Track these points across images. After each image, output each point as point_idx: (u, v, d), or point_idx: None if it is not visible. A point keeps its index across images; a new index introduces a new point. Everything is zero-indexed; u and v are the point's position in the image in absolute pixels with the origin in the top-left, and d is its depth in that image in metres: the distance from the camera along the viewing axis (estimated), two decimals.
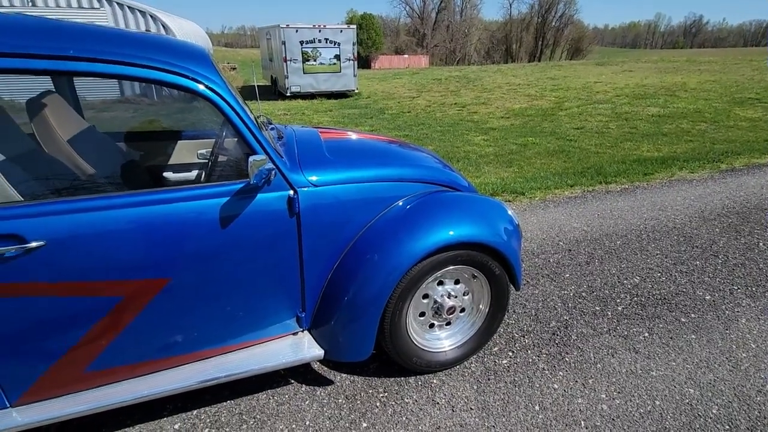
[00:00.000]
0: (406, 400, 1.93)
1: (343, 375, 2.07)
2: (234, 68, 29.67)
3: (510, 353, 2.23)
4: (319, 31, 13.65)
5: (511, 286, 2.10)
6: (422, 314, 2.03)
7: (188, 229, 1.51)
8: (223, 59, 32.40)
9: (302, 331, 1.92)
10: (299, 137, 2.14)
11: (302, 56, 13.69)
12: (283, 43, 13.33)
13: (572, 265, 3.10)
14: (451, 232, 1.84)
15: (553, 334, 2.37)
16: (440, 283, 2.01)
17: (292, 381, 2.04)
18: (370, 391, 1.97)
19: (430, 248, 1.79)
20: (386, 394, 1.96)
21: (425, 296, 2.00)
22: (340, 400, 1.93)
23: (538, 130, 8.80)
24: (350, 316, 1.81)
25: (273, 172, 1.60)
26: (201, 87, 1.47)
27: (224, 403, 1.91)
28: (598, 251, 3.31)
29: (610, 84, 14.00)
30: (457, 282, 2.04)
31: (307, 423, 1.82)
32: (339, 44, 13.99)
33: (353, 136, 2.57)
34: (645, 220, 3.89)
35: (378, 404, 1.91)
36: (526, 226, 3.80)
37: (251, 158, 1.47)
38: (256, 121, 1.68)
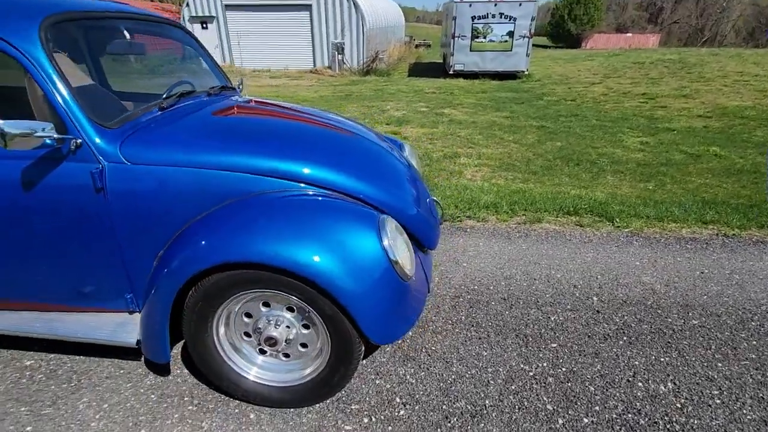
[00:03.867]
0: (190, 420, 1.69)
1: (186, 371, 1.94)
2: (428, 45, 30.23)
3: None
4: (495, 5, 12.61)
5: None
6: (248, 335, 1.71)
7: None
8: (419, 36, 33.43)
9: (139, 312, 1.85)
10: (195, 110, 1.99)
11: (472, 32, 12.96)
12: (454, 18, 12.83)
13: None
14: (237, 246, 1.48)
15: None
16: (266, 304, 1.64)
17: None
18: (179, 394, 1.80)
19: (212, 261, 1.47)
20: (192, 399, 1.76)
21: (249, 315, 1.68)
22: (152, 396, 1.82)
23: (739, 139, 6.36)
24: (148, 309, 1.66)
25: (74, 143, 1.53)
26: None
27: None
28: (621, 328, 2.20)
29: None
30: (291, 310, 1.64)
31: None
32: (515, 19, 12.69)
33: (287, 118, 2.25)
34: None
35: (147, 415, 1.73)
36: (561, 264, 2.80)
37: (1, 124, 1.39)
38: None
